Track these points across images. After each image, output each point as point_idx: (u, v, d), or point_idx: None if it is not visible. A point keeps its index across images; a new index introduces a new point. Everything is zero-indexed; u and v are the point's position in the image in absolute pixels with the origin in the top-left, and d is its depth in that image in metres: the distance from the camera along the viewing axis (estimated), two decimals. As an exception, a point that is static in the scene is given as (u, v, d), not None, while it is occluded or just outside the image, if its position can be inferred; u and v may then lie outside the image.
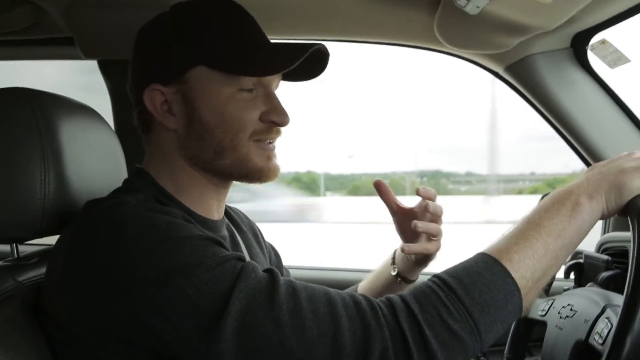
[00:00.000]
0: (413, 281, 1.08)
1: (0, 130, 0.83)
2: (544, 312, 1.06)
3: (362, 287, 1.18)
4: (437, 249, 0.99)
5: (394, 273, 1.07)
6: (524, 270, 0.71)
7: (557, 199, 0.77)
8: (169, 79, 0.84)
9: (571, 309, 0.97)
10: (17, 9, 1.35)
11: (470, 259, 0.73)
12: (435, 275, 0.71)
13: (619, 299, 0.92)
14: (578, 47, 1.31)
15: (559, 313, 1.01)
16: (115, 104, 1.54)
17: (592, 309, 0.93)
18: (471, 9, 1.03)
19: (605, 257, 1.13)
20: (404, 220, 0.99)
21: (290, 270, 1.24)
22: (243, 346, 0.65)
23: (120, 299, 0.68)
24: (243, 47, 0.84)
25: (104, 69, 1.51)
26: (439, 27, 1.22)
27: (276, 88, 0.90)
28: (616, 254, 1.16)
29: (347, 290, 0.77)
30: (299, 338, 0.65)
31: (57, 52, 1.58)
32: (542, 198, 1.40)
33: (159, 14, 0.88)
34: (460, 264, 0.73)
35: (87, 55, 1.46)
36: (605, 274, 1.08)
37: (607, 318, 0.87)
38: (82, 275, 0.71)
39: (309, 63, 0.84)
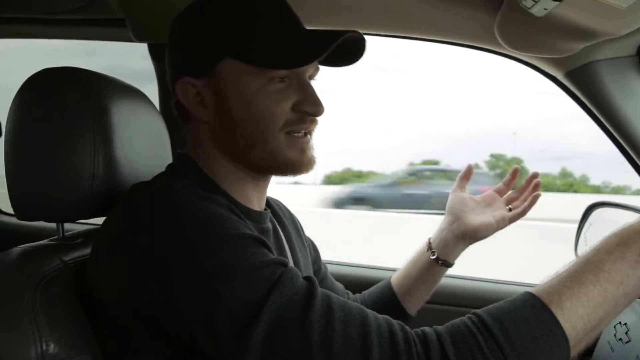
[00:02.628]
0: (452, 265, 1.14)
1: (53, 110, 0.83)
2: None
3: (395, 278, 1.20)
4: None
5: (433, 257, 1.12)
6: (575, 320, 0.64)
7: (622, 240, 0.69)
8: (199, 71, 0.83)
9: (626, 333, 0.93)
10: (73, -12, 1.36)
11: (516, 299, 0.67)
12: (476, 314, 0.66)
13: None
14: (644, 56, 1.25)
15: (614, 327, 0.96)
16: (162, 89, 1.54)
17: None
18: (537, 11, 0.98)
19: None
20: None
21: (328, 266, 1.23)
22: (268, 358, 0.63)
23: (158, 287, 0.68)
24: (272, 39, 0.81)
25: (154, 52, 1.52)
26: (500, 27, 1.18)
27: (315, 74, 0.88)
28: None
29: (382, 317, 0.71)
30: None
31: (108, 34, 1.59)
32: (588, 210, 1.36)
33: (189, 5, 0.87)
34: (505, 303, 0.67)
35: (138, 38, 1.47)
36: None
37: None
38: (126, 258, 0.71)
39: (345, 49, 0.82)
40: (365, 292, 1.24)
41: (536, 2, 0.95)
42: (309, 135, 0.87)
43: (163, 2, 1.35)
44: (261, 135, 0.82)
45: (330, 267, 1.25)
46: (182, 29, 0.86)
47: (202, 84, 0.83)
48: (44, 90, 0.85)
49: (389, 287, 1.19)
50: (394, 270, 1.68)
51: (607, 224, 0.73)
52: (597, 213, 1.34)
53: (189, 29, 0.85)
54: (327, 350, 0.63)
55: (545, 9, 0.97)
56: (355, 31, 0.81)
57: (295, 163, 0.85)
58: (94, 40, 1.64)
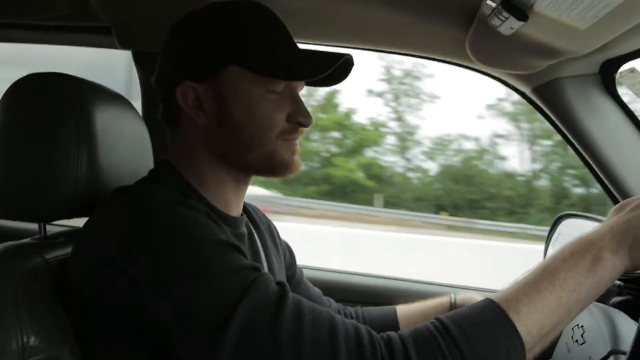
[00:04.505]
0: None
1: (38, 112, 0.85)
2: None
3: (404, 311, 1.19)
4: None
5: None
6: (531, 325, 0.67)
7: (577, 249, 0.72)
8: (202, 76, 0.86)
9: (582, 335, 0.97)
10: (61, -5, 1.39)
11: (477, 305, 0.71)
12: (438, 319, 0.70)
13: (626, 328, 0.93)
14: (606, 74, 1.31)
15: (572, 329, 1.01)
16: (145, 95, 1.57)
17: (599, 347, 0.91)
18: (505, 30, 1.04)
19: (617, 282, 1.13)
20: None
21: (304, 271, 1.25)
22: (240, 358, 0.66)
23: (135, 288, 0.70)
24: (277, 50, 0.87)
25: (138, 60, 1.54)
26: (471, 44, 1.23)
27: (300, 91, 0.93)
28: (628, 280, 1.16)
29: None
30: None
31: (94, 41, 1.61)
32: (556, 221, 1.41)
33: (192, 12, 0.90)
34: (467, 309, 0.71)
35: (123, 46, 1.49)
36: (617, 299, 1.09)
37: None
38: (104, 258, 0.73)
39: (334, 70, 0.85)
40: (365, 309, 1.25)
41: (503, 21, 1.01)
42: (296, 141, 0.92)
43: (148, 11, 1.38)
44: (260, 140, 0.86)
45: (306, 272, 1.27)
46: (186, 35, 0.89)
47: (203, 89, 0.86)
48: (30, 94, 0.87)
49: (393, 315, 1.19)
50: (372, 276, 1.74)
51: (574, 234, 0.78)
52: (565, 223, 1.39)
53: (194, 35, 0.87)
54: (296, 351, 0.65)
55: (512, 27, 1.03)
56: (350, 55, 0.87)
57: (289, 164, 0.90)
58: (80, 46, 1.66)
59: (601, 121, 1.32)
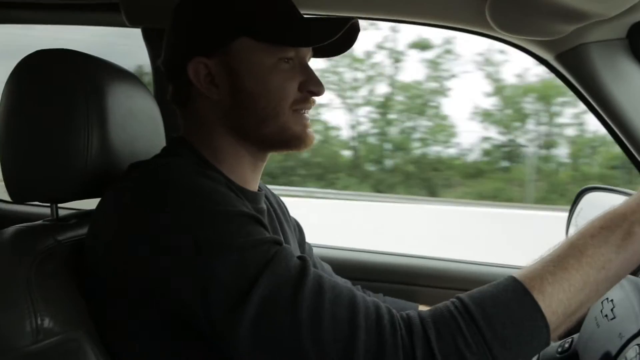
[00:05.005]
0: None
1: (46, 91, 0.84)
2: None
3: None
4: None
5: None
6: (556, 305, 0.65)
7: (606, 224, 0.69)
8: (212, 50, 0.84)
9: (612, 310, 0.94)
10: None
11: (499, 284, 0.68)
12: (459, 298, 0.67)
13: None
14: (635, 39, 1.25)
15: (601, 304, 0.98)
16: (156, 73, 1.54)
17: (629, 323, 0.87)
18: (527, -8, 0.99)
19: None
20: None
21: (314, 249, 1.25)
22: (259, 334, 0.65)
23: (156, 264, 0.69)
24: (285, 19, 0.86)
25: (148, 37, 1.51)
26: (491, 10, 1.18)
27: (309, 60, 0.92)
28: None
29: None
30: (314, 339, 0.64)
31: (102, 18, 1.59)
32: (579, 194, 1.37)
33: None
34: (488, 287, 0.68)
35: (132, 23, 1.47)
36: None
37: (638, 345, 0.80)
38: (124, 233, 0.72)
39: (340, 38, 0.84)
40: (387, 299, 1.23)
41: (526, -16, 0.96)
42: (308, 113, 0.91)
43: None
44: (273, 111, 0.85)
45: (316, 251, 1.26)
46: (191, 11, 0.88)
47: (214, 63, 0.85)
48: (37, 71, 0.86)
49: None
50: (383, 253, 1.71)
51: (598, 208, 0.73)
52: (588, 197, 1.35)
53: (201, 10, 0.86)
54: (315, 328, 0.64)
55: (535, -10, 0.98)
56: (356, 20, 0.85)
57: (302, 137, 0.89)
58: (88, 25, 1.64)
59: (629, 88, 1.26)
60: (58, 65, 0.86)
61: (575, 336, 1.08)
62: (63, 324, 0.74)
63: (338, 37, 0.83)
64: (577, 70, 1.29)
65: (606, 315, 0.95)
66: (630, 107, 1.25)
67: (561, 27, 1.14)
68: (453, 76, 12.49)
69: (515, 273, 0.69)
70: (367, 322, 0.65)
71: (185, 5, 0.89)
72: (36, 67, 0.86)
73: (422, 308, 1.11)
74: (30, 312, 0.72)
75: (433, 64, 12.89)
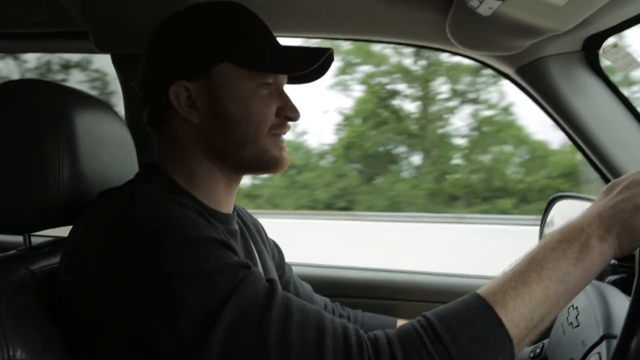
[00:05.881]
0: None
1: (16, 122, 0.84)
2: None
3: None
4: None
5: None
6: (518, 320, 0.66)
7: (564, 237, 0.71)
8: (194, 75, 0.86)
9: (576, 317, 0.96)
10: (34, 2, 1.37)
11: (464, 300, 0.70)
12: (425, 317, 0.69)
13: (621, 307, 0.91)
14: (590, 51, 1.30)
15: (567, 310, 1.00)
16: (128, 98, 1.55)
17: (592, 331, 0.90)
18: (483, 10, 1.03)
19: (612, 260, 1.12)
20: None
21: (293, 267, 1.25)
22: (228, 358, 0.66)
23: (123, 290, 0.69)
24: (267, 46, 0.89)
25: (118, 63, 1.52)
26: (451, 27, 1.22)
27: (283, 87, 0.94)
28: (622, 258, 1.15)
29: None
30: None
31: (71, 46, 1.60)
32: (550, 203, 1.40)
33: (175, 14, 0.90)
34: (453, 304, 0.70)
35: (101, 49, 1.48)
36: (611, 278, 1.09)
37: (598, 354, 0.83)
38: (93, 261, 0.73)
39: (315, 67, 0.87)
40: (366, 314, 1.24)
41: (482, 1, 1.00)
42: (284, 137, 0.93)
43: (125, 13, 1.36)
44: (252, 135, 0.87)
45: (296, 269, 1.27)
46: (172, 36, 0.89)
47: (195, 87, 0.86)
48: (6, 101, 0.86)
49: (393, 327, 1.16)
50: (364, 269, 1.73)
51: (568, 216, 0.76)
52: (559, 205, 1.38)
53: (184, 35, 0.87)
54: (283, 351, 0.65)
55: (490, 8, 1.02)
56: (332, 50, 0.88)
57: (279, 160, 0.91)
58: (58, 52, 1.64)
59: (587, 99, 1.32)
60: (27, 95, 0.86)
61: (546, 341, 1.11)
62: (35, 354, 0.74)
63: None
64: (536, 83, 1.34)
65: (571, 323, 0.97)
66: (588, 117, 1.30)
67: (518, 42, 1.19)
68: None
69: (479, 289, 0.71)
70: (335, 344, 0.66)
71: (166, 29, 0.90)
72: (5, 98, 0.86)
73: (402, 322, 1.15)
74: (1, 344, 0.71)
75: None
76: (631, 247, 0.71)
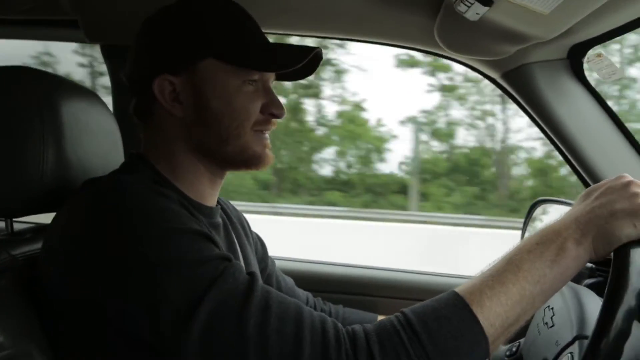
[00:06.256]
0: None
1: (2, 107, 0.84)
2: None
3: None
4: None
5: None
6: (494, 318, 0.68)
7: (542, 240, 0.73)
8: (179, 69, 0.86)
9: (552, 317, 0.98)
10: (24, -12, 1.36)
11: (441, 298, 0.71)
12: (403, 313, 0.70)
13: (595, 310, 0.93)
14: (574, 59, 1.33)
15: (543, 311, 1.02)
16: (116, 89, 1.55)
17: (565, 331, 0.92)
18: (471, 15, 1.04)
19: (589, 264, 1.15)
20: None
21: (276, 262, 1.26)
22: (206, 350, 0.67)
23: (104, 279, 0.70)
24: (253, 42, 0.89)
25: (107, 53, 1.52)
26: (439, 31, 1.24)
27: (271, 84, 0.95)
28: (599, 262, 1.18)
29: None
30: (260, 354, 0.66)
31: (61, 34, 1.59)
32: (532, 206, 1.43)
33: (167, 6, 0.91)
34: (431, 302, 0.71)
35: (91, 39, 1.47)
36: (588, 281, 1.11)
37: (571, 354, 0.86)
38: (75, 248, 0.73)
39: (303, 64, 0.87)
40: (346, 310, 1.26)
41: (469, 7, 1.02)
42: (268, 134, 0.94)
43: (115, 4, 1.36)
44: (236, 130, 0.87)
45: (279, 264, 1.28)
46: (160, 29, 0.89)
47: (179, 81, 0.86)
48: None
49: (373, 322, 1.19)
50: (345, 265, 1.75)
51: (550, 219, 0.78)
52: (541, 209, 1.41)
53: (171, 29, 0.88)
54: (261, 343, 0.66)
55: (477, 13, 1.03)
56: (320, 49, 0.89)
57: (261, 157, 0.91)
58: (47, 40, 1.63)
59: (570, 106, 1.34)
60: (13, 81, 0.86)
61: (522, 340, 1.13)
62: (14, 338, 0.74)
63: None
64: (521, 88, 1.36)
65: (546, 323, 0.99)
66: (571, 123, 1.32)
67: (504, 47, 1.20)
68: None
69: (457, 287, 0.72)
70: (313, 336, 0.67)
71: (154, 22, 0.91)
72: None
73: (382, 318, 1.16)
74: None
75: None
76: (606, 251, 0.72)
